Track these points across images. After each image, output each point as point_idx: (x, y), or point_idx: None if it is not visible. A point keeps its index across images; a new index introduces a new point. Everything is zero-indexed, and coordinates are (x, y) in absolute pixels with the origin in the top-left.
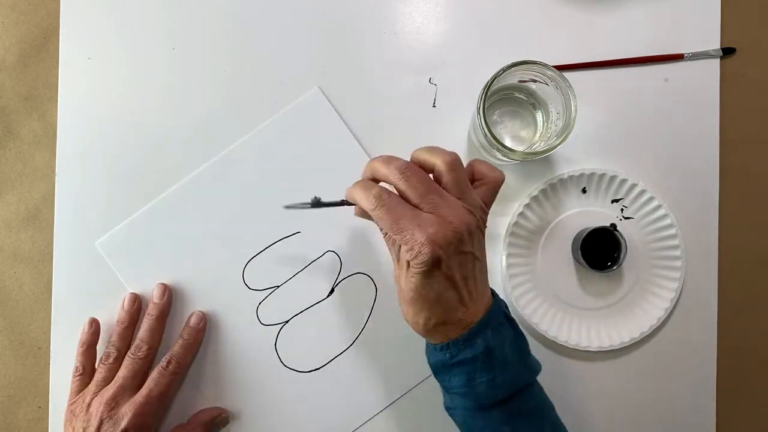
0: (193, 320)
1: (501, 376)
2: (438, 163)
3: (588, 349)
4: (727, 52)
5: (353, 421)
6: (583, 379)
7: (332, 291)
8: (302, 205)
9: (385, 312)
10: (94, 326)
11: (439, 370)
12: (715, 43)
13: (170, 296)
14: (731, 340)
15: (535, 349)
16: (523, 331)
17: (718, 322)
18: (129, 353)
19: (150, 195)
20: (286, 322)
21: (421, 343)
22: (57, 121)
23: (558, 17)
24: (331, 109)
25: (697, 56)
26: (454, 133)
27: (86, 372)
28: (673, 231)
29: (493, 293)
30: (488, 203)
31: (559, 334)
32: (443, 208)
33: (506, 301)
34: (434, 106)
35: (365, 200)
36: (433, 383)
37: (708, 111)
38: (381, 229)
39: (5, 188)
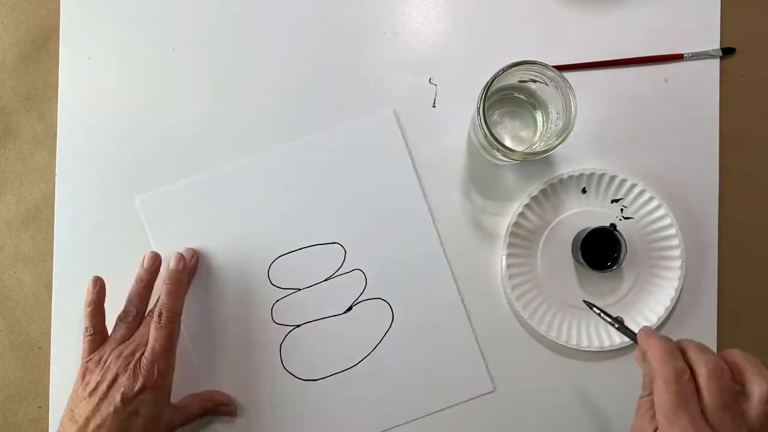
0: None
1: None
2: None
3: (588, 350)
4: (727, 52)
5: None
6: (582, 379)
7: (350, 308)
8: (605, 316)
9: (397, 343)
10: (99, 285)
11: None
12: (714, 43)
13: (186, 263)
14: (731, 340)
15: (535, 349)
16: (522, 330)
17: (717, 322)
18: (148, 313)
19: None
20: (298, 326)
21: (425, 376)
22: (57, 121)
23: (558, 17)
24: (400, 136)
25: (696, 56)
26: (454, 133)
27: (97, 331)
28: (673, 231)
29: None
30: None
31: (559, 334)
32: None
33: (506, 301)
34: (434, 106)
35: (662, 366)
36: (430, 422)
37: (708, 111)
38: (644, 383)
39: (5, 188)
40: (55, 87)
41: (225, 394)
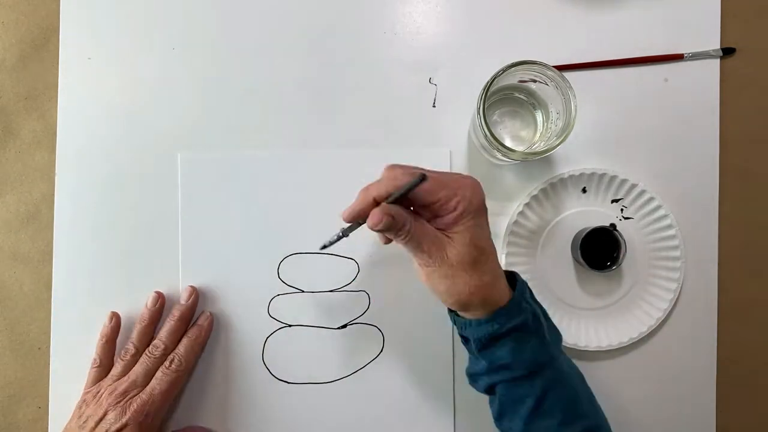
0: (201, 319)
1: (546, 337)
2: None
3: (587, 349)
4: (727, 52)
5: None
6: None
7: (345, 326)
8: (331, 242)
9: (377, 374)
10: (114, 320)
11: (484, 344)
12: (715, 43)
13: (196, 300)
14: (731, 340)
15: None
16: None
17: (718, 322)
18: (147, 352)
19: (149, 195)
20: (289, 325)
21: (399, 412)
22: (57, 121)
23: (558, 17)
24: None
25: (697, 56)
26: (454, 133)
27: (103, 364)
28: (672, 231)
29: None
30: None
31: None
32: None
33: None
34: (434, 106)
35: (388, 181)
36: None
37: (708, 111)
38: (402, 229)
39: (5, 188)
40: (55, 87)
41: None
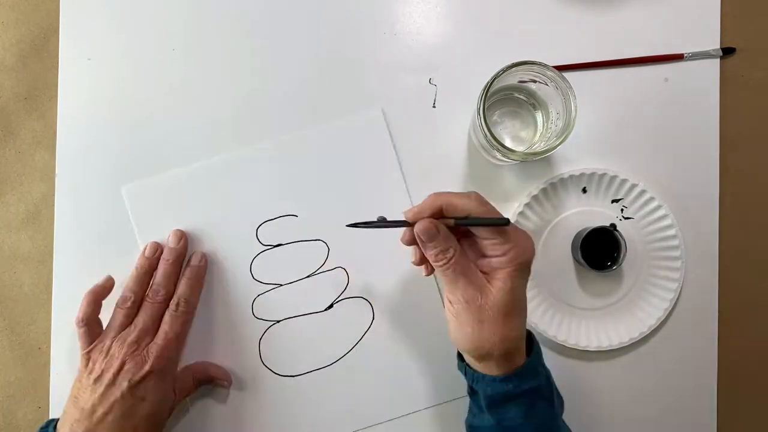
0: (194, 259)
1: (556, 400)
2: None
3: (587, 349)
4: (727, 52)
5: None
6: (581, 378)
7: (331, 306)
8: (365, 224)
9: (376, 342)
10: (109, 283)
11: (497, 402)
12: (714, 43)
13: (186, 243)
14: (732, 340)
15: None
16: None
17: (718, 322)
18: (147, 298)
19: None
20: (278, 321)
21: (405, 377)
22: (57, 121)
23: (558, 17)
24: (387, 137)
25: (696, 56)
26: (454, 133)
27: (90, 323)
28: (673, 231)
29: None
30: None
31: (558, 333)
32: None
33: None
34: (434, 107)
35: (468, 200)
36: (406, 423)
37: (708, 111)
38: (443, 259)
39: (5, 188)
40: (55, 87)
41: (217, 366)
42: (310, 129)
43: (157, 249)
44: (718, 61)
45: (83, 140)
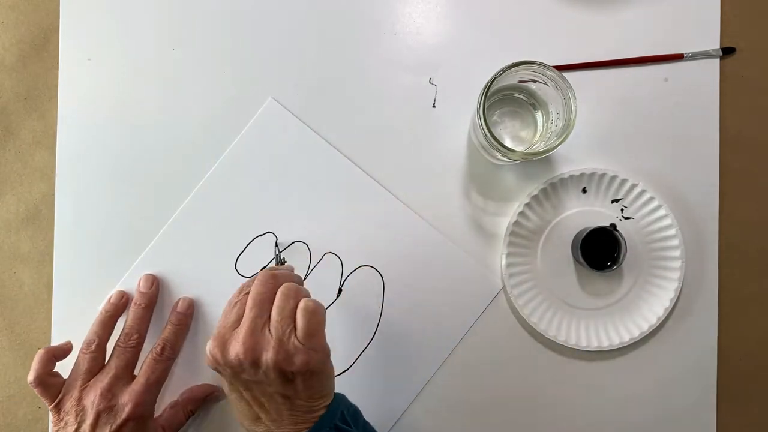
0: (180, 305)
1: None
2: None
3: (587, 349)
4: (726, 52)
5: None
6: (581, 378)
7: (340, 291)
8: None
9: (397, 299)
10: (67, 346)
11: None
12: (714, 43)
13: (158, 287)
14: (732, 340)
15: (533, 348)
16: (522, 329)
17: (718, 322)
18: (119, 343)
19: (150, 194)
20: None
21: (438, 308)
22: (57, 121)
23: (558, 17)
24: (290, 116)
25: (696, 56)
26: (454, 133)
27: (45, 380)
28: (673, 231)
29: (327, 410)
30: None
31: (558, 333)
32: (240, 334)
33: (506, 300)
34: (434, 107)
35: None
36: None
37: (708, 111)
38: None
39: (5, 188)
40: (55, 87)
41: (200, 386)
42: (224, 155)
43: (123, 296)
44: (717, 61)
45: (83, 140)
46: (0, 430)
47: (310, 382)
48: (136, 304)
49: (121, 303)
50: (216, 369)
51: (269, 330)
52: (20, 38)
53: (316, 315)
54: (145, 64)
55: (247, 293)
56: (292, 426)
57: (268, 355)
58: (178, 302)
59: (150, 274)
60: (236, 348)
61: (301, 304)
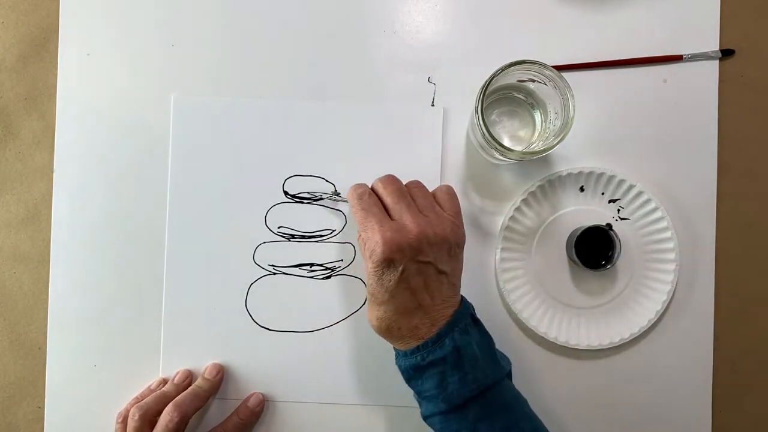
0: (252, 401)
1: (471, 373)
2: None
3: (577, 347)
4: (726, 53)
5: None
6: (572, 377)
7: (329, 277)
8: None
9: (359, 326)
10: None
11: (411, 375)
12: (714, 45)
13: (222, 377)
14: (729, 341)
15: (524, 345)
16: (514, 325)
17: (714, 323)
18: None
19: (149, 195)
20: (273, 274)
21: (375, 368)
22: (56, 121)
23: (557, 17)
24: (439, 135)
25: (696, 57)
26: (453, 132)
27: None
28: (668, 234)
29: (462, 298)
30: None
31: (550, 330)
32: (407, 218)
33: (499, 296)
34: (433, 105)
35: (351, 197)
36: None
37: (707, 112)
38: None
39: (5, 188)
40: (54, 87)
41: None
42: (369, 105)
43: (188, 377)
44: (717, 62)
45: (83, 140)
46: (0, 430)
47: (460, 257)
48: (198, 386)
49: (184, 385)
50: (390, 261)
51: (424, 213)
52: (20, 38)
53: (454, 195)
54: (145, 64)
55: (370, 196)
56: (443, 311)
57: (445, 230)
58: (251, 396)
59: (217, 363)
60: (412, 230)
61: (443, 188)
